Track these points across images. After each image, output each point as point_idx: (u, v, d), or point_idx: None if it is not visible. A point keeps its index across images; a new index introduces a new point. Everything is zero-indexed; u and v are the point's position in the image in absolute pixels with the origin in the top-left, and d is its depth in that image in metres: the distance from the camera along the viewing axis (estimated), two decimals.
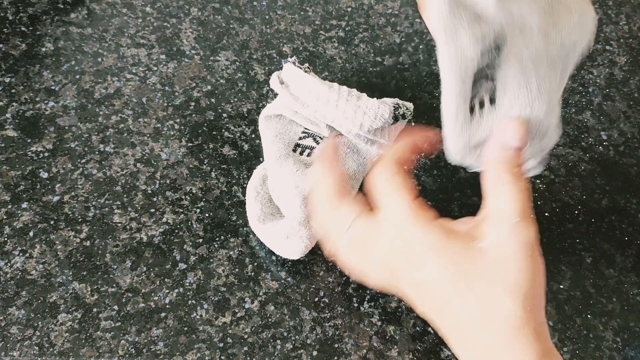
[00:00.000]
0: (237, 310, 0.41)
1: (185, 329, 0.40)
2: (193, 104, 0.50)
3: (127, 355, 0.38)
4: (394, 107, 0.44)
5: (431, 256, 0.29)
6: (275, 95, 0.50)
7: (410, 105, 0.47)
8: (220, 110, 0.50)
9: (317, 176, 0.34)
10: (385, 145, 0.46)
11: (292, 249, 0.41)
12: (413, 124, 0.49)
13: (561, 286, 0.45)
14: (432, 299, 0.30)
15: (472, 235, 0.30)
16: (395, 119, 0.45)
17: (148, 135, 0.47)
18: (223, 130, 0.49)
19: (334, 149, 0.36)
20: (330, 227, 0.33)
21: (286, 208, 0.41)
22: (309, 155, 0.45)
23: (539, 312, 0.28)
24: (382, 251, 0.31)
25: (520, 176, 0.30)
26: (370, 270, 0.33)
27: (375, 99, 0.45)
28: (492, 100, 0.31)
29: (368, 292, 0.43)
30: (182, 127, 0.48)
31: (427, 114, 0.52)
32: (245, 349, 0.39)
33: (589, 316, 0.44)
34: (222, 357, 0.39)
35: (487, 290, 0.28)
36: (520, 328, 0.27)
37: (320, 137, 0.46)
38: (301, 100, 0.44)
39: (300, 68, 0.45)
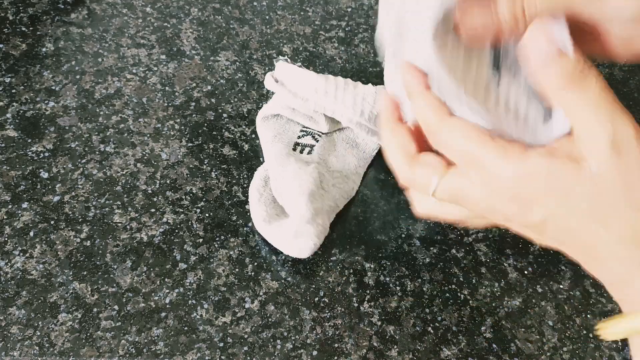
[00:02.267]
0: (237, 310, 0.41)
1: (186, 328, 0.40)
2: (193, 104, 0.50)
3: (127, 355, 0.38)
4: None
5: (542, 195, 0.27)
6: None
7: None
8: (220, 111, 0.50)
9: (386, 138, 0.31)
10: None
11: (301, 247, 0.41)
12: None
13: (561, 286, 0.45)
14: (553, 233, 0.28)
15: (575, 158, 0.26)
16: None
17: (148, 135, 0.47)
18: (223, 130, 0.49)
19: (392, 106, 0.32)
20: (416, 188, 0.31)
21: (291, 207, 0.41)
22: (309, 153, 0.45)
23: None
24: (484, 202, 0.28)
25: (586, 79, 0.27)
26: (472, 220, 0.31)
27: (370, 85, 0.45)
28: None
29: (368, 292, 0.43)
30: (182, 127, 0.48)
31: None
32: (245, 348, 0.39)
33: (588, 316, 0.44)
34: (222, 357, 0.39)
35: (613, 215, 0.26)
36: None
37: (319, 134, 0.46)
38: (299, 95, 0.44)
39: (294, 65, 0.46)
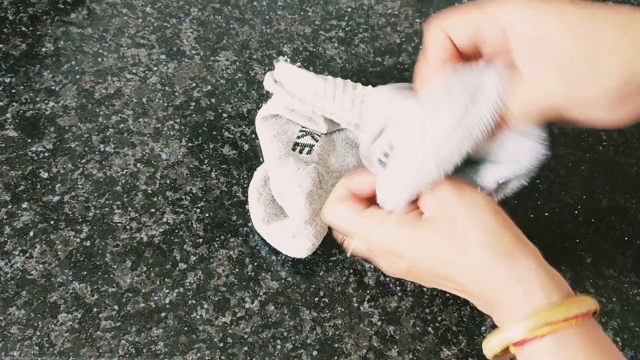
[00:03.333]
0: (237, 310, 0.41)
1: (185, 328, 0.40)
2: (193, 104, 0.50)
3: (127, 355, 0.38)
4: None
5: (403, 251, 0.35)
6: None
7: None
8: (220, 110, 0.50)
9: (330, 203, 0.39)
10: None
11: (299, 247, 0.41)
12: None
13: None
14: (422, 276, 0.36)
15: (417, 217, 0.34)
16: None
17: (148, 135, 0.47)
18: (223, 130, 0.49)
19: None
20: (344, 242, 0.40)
21: (290, 207, 0.41)
22: (308, 153, 0.45)
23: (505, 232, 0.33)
24: (375, 259, 0.39)
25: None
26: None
27: (370, 86, 0.45)
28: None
29: (368, 292, 0.43)
30: (182, 127, 0.48)
31: None
32: (245, 348, 0.39)
33: None
34: (222, 357, 0.39)
35: (455, 240, 0.33)
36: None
37: (318, 135, 0.46)
38: (298, 96, 0.44)
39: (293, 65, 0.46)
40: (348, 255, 0.40)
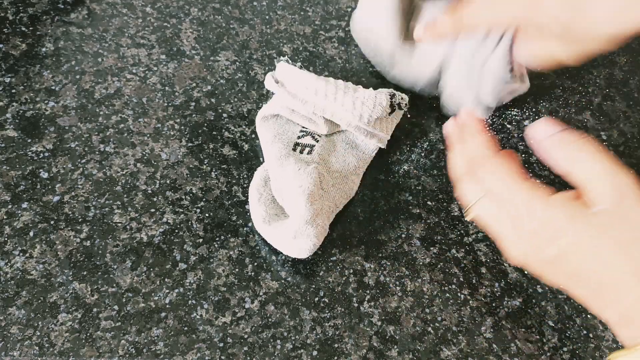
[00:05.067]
0: (237, 310, 0.41)
1: (185, 329, 0.40)
2: (193, 104, 0.50)
3: (127, 355, 0.38)
4: (390, 95, 0.45)
5: (558, 235, 0.31)
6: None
7: (405, 96, 0.48)
8: (220, 110, 0.50)
9: (454, 153, 0.38)
10: (383, 137, 0.46)
11: (300, 248, 0.41)
12: (409, 115, 0.49)
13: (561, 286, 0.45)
14: (565, 269, 0.32)
15: (587, 204, 0.31)
16: (392, 108, 0.45)
17: (148, 135, 0.47)
18: (223, 130, 0.49)
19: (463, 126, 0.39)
20: (461, 199, 0.37)
21: (291, 208, 0.41)
22: (309, 153, 0.45)
23: None
24: (508, 234, 0.34)
25: (585, 144, 0.33)
26: (504, 244, 0.35)
27: (371, 89, 0.45)
28: None
29: (368, 292, 0.43)
30: (182, 127, 0.48)
31: (427, 114, 0.52)
32: (245, 349, 0.39)
33: (589, 316, 0.44)
34: (222, 357, 0.39)
35: (619, 251, 0.30)
36: None
37: (318, 135, 0.46)
38: (299, 97, 0.44)
39: (294, 66, 0.46)
40: (468, 218, 0.37)
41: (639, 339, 0.29)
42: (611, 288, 0.30)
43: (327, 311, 0.42)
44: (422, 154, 0.50)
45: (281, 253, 0.43)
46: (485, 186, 0.35)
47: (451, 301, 0.43)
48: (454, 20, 0.41)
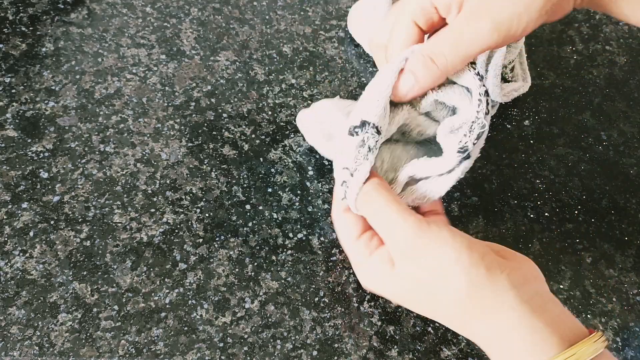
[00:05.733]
0: (237, 310, 0.41)
1: (185, 329, 0.40)
2: (193, 104, 0.50)
3: (127, 355, 0.38)
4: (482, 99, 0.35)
5: (383, 291, 0.35)
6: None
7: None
8: (220, 110, 0.50)
9: (336, 224, 0.38)
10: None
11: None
12: None
13: (561, 286, 0.45)
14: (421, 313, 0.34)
15: (392, 261, 0.33)
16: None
17: (148, 135, 0.47)
18: (223, 130, 0.49)
19: (339, 197, 0.38)
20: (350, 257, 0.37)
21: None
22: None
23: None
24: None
25: (371, 196, 0.34)
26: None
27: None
28: None
29: (368, 292, 0.43)
30: (182, 127, 0.48)
31: None
32: (245, 349, 0.39)
33: (589, 316, 0.44)
34: (222, 357, 0.39)
35: (420, 301, 0.33)
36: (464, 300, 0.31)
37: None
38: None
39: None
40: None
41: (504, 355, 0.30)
42: (455, 330, 0.32)
43: (327, 311, 0.42)
44: None
45: (281, 253, 0.43)
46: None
47: None
48: (433, 69, 0.33)
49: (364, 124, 0.33)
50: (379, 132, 0.33)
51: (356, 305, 0.42)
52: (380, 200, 0.32)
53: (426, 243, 0.31)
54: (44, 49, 0.50)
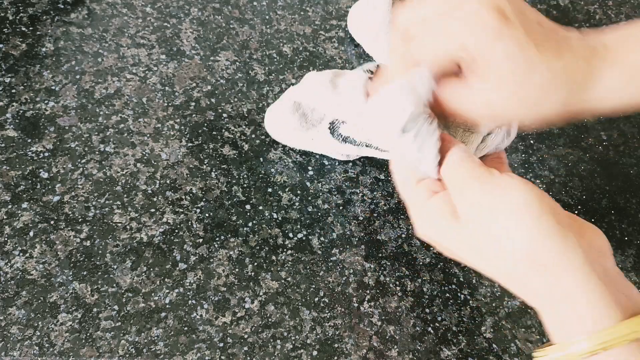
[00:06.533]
0: (237, 310, 0.41)
1: (186, 328, 0.40)
2: (193, 104, 0.50)
3: (127, 355, 0.38)
4: None
5: (436, 242, 0.32)
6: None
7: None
8: (220, 110, 0.50)
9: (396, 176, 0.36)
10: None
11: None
12: None
13: None
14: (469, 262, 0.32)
15: (454, 214, 0.32)
16: None
17: (148, 135, 0.47)
18: (223, 130, 0.49)
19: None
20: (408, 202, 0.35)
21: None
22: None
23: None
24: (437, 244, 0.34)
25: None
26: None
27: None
28: None
29: (368, 292, 0.43)
30: (182, 127, 0.48)
31: None
32: (245, 348, 0.39)
33: None
34: (222, 357, 0.39)
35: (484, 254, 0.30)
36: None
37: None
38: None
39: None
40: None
41: (556, 331, 0.29)
42: (512, 289, 0.31)
43: (327, 311, 0.42)
44: None
45: (281, 253, 0.43)
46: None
47: (451, 301, 0.43)
48: (399, 58, 0.33)
49: (413, 118, 0.34)
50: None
51: (356, 305, 0.42)
52: (450, 144, 0.32)
53: (495, 187, 0.29)
54: (44, 49, 0.50)
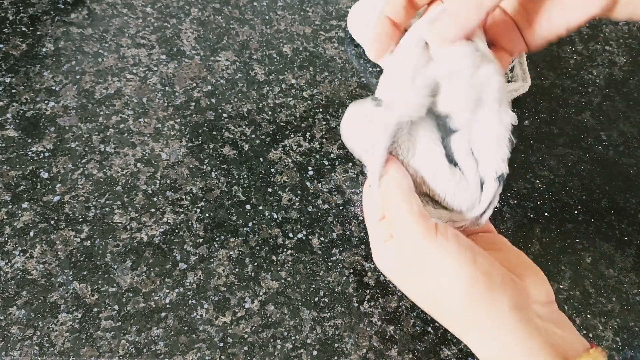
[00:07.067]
0: (237, 310, 0.41)
1: (186, 328, 0.40)
2: (193, 104, 0.50)
3: (127, 355, 0.38)
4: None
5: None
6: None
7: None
8: (220, 111, 0.50)
9: (364, 202, 0.37)
10: None
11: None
12: None
13: (561, 286, 0.45)
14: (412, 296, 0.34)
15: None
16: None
17: (148, 135, 0.47)
18: (223, 130, 0.49)
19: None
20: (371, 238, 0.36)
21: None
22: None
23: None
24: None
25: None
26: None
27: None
28: None
29: (368, 292, 0.43)
30: (183, 127, 0.48)
31: None
32: (246, 348, 0.40)
33: (588, 316, 0.44)
34: (222, 357, 0.39)
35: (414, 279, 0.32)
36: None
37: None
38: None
39: None
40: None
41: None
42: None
43: (327, 311, 0.42)
44: None
45: (281, 253, 0.43)
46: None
47: None
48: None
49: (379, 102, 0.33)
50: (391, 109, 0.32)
51: (356, 305, 0.42)
52: (397, 196, 0.32)
53: (431, 251, 0.30)
54: (44, 49, 0.51)
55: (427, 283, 0.31)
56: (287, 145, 0.49)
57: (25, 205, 0.43)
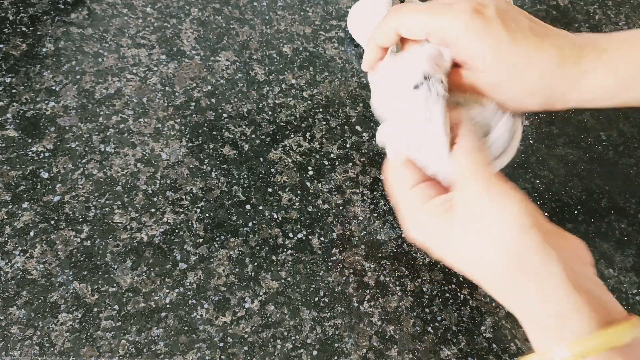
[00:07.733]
0: (237, 310, 0.41)
1: (186, 328, 0.40)
2: (193, 104, 0.50)
3: (127, 355, 0.38)
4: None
5: (429, 240, 0.33)
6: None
7: None
8: (220, 111, 0.50)
9: (390, 173, 0.37)
10: None
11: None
12: None
13: None
14: (459, 265, 0.33)
15: (446, 208, 0.32)
16: None
17: (148, 135, 0.47)
18: (223, 130, 0.49)
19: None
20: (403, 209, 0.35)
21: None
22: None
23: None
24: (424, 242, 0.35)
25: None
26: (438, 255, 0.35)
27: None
28: None
29: (368, 292, 0.43)
30: (183, 127, 0.48)
31: None
32: (246, 348, 0.40)
33: None
34: (222, 357, 0.39)
35: (466, 246, 0.31)
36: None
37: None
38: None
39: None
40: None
41: (535, 337, 0.30)
42: (492, 293, 0.32)
43: (327, 311, 0.42)
44: None
45: (281, 253, 0.43)
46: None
47: (451, 301, 0.43)
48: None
49: (426, 77, 0.34)
50: (442, 83, 0.33)
51: (356, 305, 0.42)
52: (466, 145, 0.33)
53: (497, 192, 0.31)
54: (44, 49, 0.51)
55: (480, 231, 0.31)
56: (287, 145, 0.49)
57: (25, 205, 0.43)
